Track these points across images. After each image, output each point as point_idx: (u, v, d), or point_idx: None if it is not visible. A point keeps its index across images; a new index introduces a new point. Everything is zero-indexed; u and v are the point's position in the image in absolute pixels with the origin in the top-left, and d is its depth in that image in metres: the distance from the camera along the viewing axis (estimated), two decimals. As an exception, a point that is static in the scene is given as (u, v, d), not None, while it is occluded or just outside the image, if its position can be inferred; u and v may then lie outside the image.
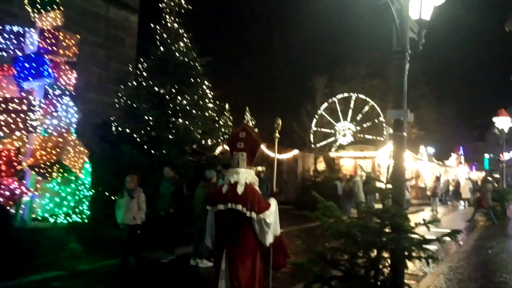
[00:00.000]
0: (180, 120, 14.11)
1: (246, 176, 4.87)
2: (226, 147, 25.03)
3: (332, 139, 33.03)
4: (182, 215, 10.81)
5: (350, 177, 20.23)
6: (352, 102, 32.81)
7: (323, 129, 30.34)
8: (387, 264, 5.18)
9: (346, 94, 32.12)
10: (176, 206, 10.61)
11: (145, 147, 13.54)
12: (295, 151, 24.70)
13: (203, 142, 14.99)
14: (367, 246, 4.93)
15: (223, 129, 16.36)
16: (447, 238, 5.79)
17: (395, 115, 5.81)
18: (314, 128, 29.45)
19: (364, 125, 33.63)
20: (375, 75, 36.72)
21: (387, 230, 5.23)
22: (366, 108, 33.70)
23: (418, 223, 5.30)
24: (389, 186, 6.23)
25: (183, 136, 13.94)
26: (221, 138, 15.69)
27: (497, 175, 43.26)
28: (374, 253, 5.08)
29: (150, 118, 13.72)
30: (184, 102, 14.30)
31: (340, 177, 20.55)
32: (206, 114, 15.16)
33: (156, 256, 10.29)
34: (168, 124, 14.09)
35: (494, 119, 20.58)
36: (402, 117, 5.74)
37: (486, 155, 59.50)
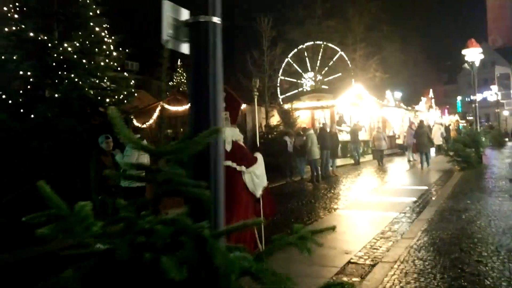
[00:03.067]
0: (65, 73, 11.13)
1: (231, 134, 5.30)
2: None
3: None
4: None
5: (303, 130, 17.28)
6: (305, 52, 30.05)
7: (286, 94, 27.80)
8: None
9: (294, 50, 29.39)
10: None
11: (22, 110, 10.79)
12: (243, 105, 21.54)
13: (106, 99, 12.03)
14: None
15: (131, 83, 13.17)
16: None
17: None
18: (281, 97, 27.05)
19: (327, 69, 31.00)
20: (332, 14, 33.54)
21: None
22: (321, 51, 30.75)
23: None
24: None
25: (68, 93, 10.92)
26: (127, 93, 12.56)
27: (470, 118, 41.08)
28: None
29: (29, 73, 10.88)
30: (70, 49, 11.29)
31: (289, 131, 17.57)
32: (102, 63, 12.04)
33: None
34: (52, 78, 11.19)
35: (464, 51, 17.69)
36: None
37: (458, 98, 57.44)
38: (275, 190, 14.41)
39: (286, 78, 31.62)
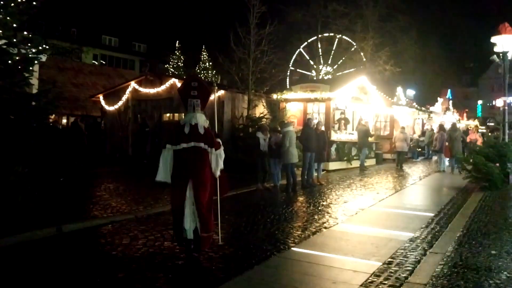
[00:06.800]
0: None
1: (203, 119, 6.15)
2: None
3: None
4: None
5: (280, 125, 13.73)
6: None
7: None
8: None
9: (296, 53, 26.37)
10: None
11: None
12: (221, 92, 18.04)
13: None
14: None
15: (41, 47, 9.72)
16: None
17: None
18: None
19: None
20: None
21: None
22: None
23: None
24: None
25: None
26: (22, 60, 9.14)
27: (491, 123, 36.95)
28: None
29: None
30: None
31: (262, 125, 13.94)
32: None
33: None
34: None
35: (494, 38, 13.91)
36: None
37: (479, 102, 53.37)
38: (235, 198, 11.18)
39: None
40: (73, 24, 52.36)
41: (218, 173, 6.27)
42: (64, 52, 37.06)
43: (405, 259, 6.32)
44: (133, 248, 6.57)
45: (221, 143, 6.32)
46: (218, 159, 6.21)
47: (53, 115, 25.01)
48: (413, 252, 6.68)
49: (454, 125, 19.30)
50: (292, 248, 6.80)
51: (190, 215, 5.92)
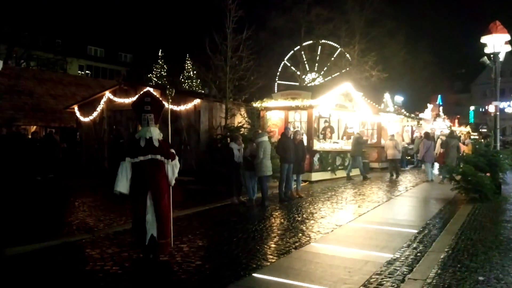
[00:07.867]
0: None
1: (157, 132, 6.42)
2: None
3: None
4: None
5: (254, 135, 12.81)
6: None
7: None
8: None
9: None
10: None
11: None
12: (196, 101, 17.17)
13: None
14: None
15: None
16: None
17: None
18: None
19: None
20: (323, 1, 29.06)
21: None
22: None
23: None
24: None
25: None
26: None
27: (484, 130, 36.20)
28: None
29: None
30: None
31: (236, 135, 13.02)
32: None
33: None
34: None
35: (484, 38, 13.05)
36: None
37: (472, 107, 52.81)
38: (206, 214, 10.58)
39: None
40: (58, 35, 51.58)
41: (173, 182, 6.59)
42: (47, 63, 36.17)
43: (380, 286, 5.43)
44: (74, 277, 5.85)
45: (175, 153, 6.64)
46: (174, 169, 6.52)
47: (34, 127, 24.30)
48: (389, 278, 5.80)
49: (451, 132, 18.29)
50: (254, 274, 5.92)
51: (151, 222, 6.22)
